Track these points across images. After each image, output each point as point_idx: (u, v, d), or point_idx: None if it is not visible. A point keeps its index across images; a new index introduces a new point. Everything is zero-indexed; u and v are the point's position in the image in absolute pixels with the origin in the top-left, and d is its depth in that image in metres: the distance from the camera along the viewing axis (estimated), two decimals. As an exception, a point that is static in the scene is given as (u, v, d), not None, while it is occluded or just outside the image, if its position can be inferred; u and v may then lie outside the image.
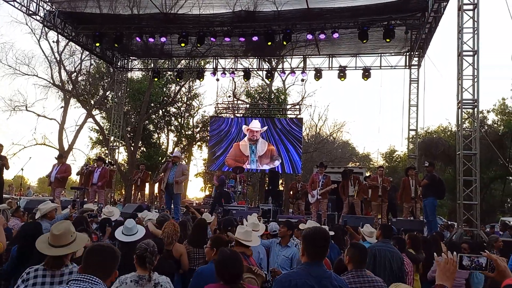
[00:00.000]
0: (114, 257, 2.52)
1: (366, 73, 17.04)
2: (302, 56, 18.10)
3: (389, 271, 4.82)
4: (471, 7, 10.46)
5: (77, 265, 3.08)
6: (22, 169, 12.46)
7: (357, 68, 17.36)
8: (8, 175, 13.12)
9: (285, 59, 19.18)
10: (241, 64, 19.62)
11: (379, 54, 17.18)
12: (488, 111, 29.22)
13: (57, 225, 3.14)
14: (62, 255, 3.01)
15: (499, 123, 28.94)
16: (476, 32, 10.39)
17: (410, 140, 17.79)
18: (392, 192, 12.54)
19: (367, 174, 17.51)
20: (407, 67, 17.27)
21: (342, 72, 17.37)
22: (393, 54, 17.29)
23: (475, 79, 10.32)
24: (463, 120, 10.64)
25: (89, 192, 13.23)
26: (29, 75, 28.87)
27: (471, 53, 10.40)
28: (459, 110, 10.42)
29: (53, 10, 15.17)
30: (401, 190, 12.03)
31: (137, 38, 15.99)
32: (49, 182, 12.39)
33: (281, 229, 5.87)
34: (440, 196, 11.12)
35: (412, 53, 16.71)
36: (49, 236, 3.09)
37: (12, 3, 13.82)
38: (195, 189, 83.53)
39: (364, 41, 14.27)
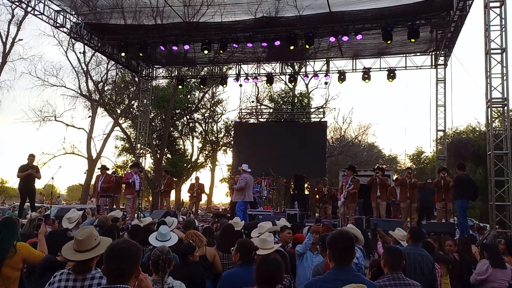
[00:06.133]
0: (134, 255, 2.48)
1: (391, 74, 16.82)
2: (325, 59, 17.99)
3: (420, 275, 4.73)
4: (497, 4, 10.24)
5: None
6: (52, 178, 12.79)
7: (381, 69, 17.15)
8: (39, 184, 13.53)
9: (308, 63, 19.12)
10: (264, 69, 19.69)
11: (404, 55, 16.92)
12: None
13: (81, 231, 3.18)
14: (88, 259, 3.05)
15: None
16: (503, 29, 10.17)
17: (438, 141, 17.46)
18: (430, 195, 12.30)
19: (395, 176, 17.26)
20: (433, 66, 16.96)
21: (366, 74, 17.19)
22: (418, 54, 17.01)
23: (504, 77, 10.09)
24: (493, 119, 10.39)
25: (131, 199, 13.41)
26: (57, 86, 29.72)
27: (499, 51, 10.18)
28: (488, 109, 10.20)
29: (80, 22, 15.57)
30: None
31: (161, 47, 16.23)
32: (96, 193, 13.38)
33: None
34: (470, 197, 10.81)
35: (438, 52, 16.42)
36: (73, 242, 3.14)
37: (40, 16, 14.25)
38: (221, 195, 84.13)
39: (389, 41, 14.10)
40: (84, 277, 3.01)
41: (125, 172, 15.01)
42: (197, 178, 16.78)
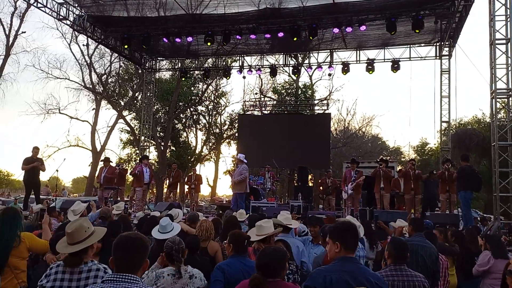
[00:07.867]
0: (143, 247, 2.50)
1: (395, 65, 16.71)
2: (328, 50, 17.89)
3: (422, 267, 4.73)
4: (503, -7, 10.15)
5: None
6: (57, 170, 12.92)
7: (385, 60, 17.05)
8: (44, 176, 13.67)
9: (311, 54, 19.04)
10: (267, 60, 19.63)
11: (408, 45, 16.81)
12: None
13: (71, 224, 3.19)
14: (80, 252, 3.06)
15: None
16: (509, 19, 10.09)
17: (443, 132, 17.39)
18: (434, 187, 12.27)
19: (398, 168, 17.23)
20: (437, 57, 16.86)
21: (370, 65, 17.09)
22: (422, 45, 16.89)
23: (509, 68, 10.03)
24: (498, 110, 10.35)
25: (140, 192, 13.49)
26: (61, 78, 29.80)
27: (504, 41, 10.13)
28: (493, 100, 10.16)
29: (82, 14, 15.52)
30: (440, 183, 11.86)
31: (164, 39, 16.19)
32: (99, 184, 13.51)
33: (314, 229, 5.86)
34: (474, 188, 10.77)
35: (442, 43, 16.30)
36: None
37: (43, 8, 14.25)
38: (225, 187, 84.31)
39: (392, 32, 13.96)
40: (80, 269, 3.03)
41: (131, 165, 15.06)
42: (194, 170, 16.91)
